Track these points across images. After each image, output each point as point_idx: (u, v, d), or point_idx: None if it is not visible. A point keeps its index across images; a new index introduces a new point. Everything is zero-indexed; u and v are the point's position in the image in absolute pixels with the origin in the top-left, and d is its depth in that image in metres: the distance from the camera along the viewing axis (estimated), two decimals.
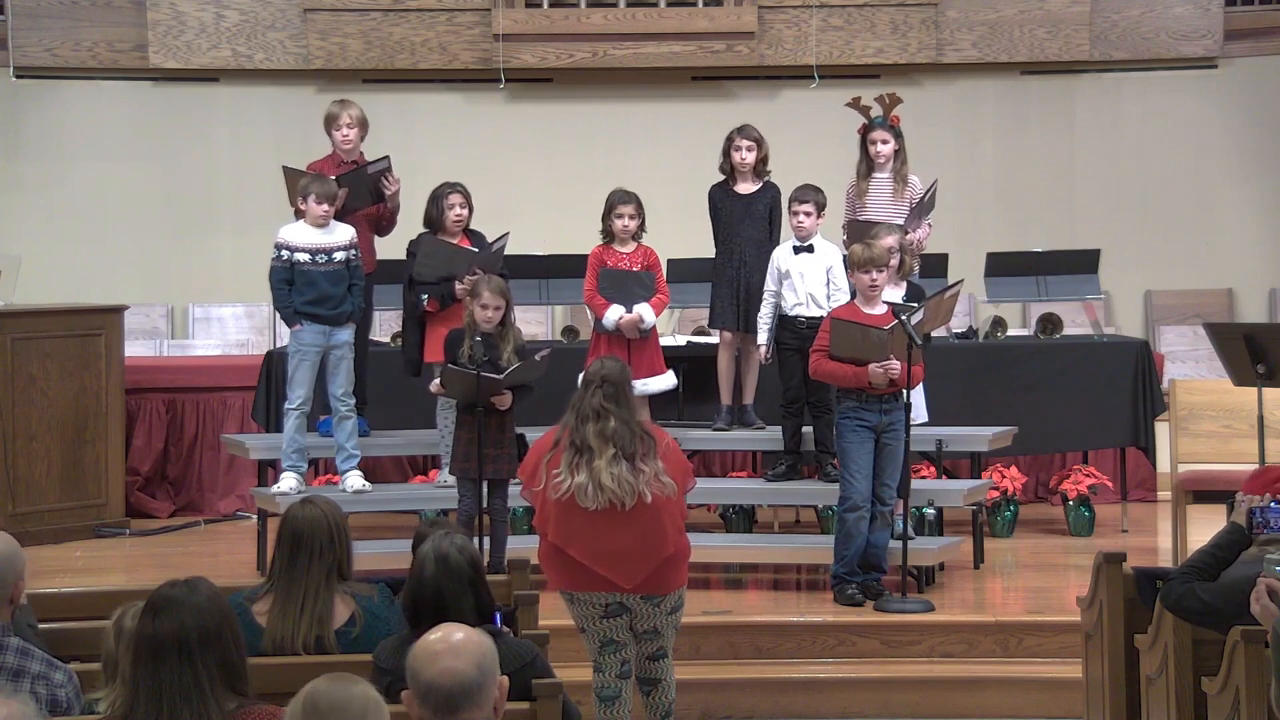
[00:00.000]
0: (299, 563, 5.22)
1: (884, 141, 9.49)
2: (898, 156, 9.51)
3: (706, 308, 9.51)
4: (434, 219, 9.12)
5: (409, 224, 9.47)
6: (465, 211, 9.12)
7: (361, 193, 9.31)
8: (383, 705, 3.60)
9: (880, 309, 8.30)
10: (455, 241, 9.05)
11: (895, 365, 8.07)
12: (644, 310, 8.94)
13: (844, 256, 9.10)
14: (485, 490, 8.23)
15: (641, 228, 9.07)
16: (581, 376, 6.81)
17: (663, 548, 6.51)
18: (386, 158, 9.42)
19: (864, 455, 8.21)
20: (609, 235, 9.09)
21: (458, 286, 8.81)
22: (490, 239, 9.16)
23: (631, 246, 9.08)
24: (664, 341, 9.58)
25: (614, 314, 8.93)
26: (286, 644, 5.18)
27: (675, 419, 9.47)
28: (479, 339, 8.19)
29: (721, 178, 9.35)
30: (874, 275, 8.26)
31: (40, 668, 4.65)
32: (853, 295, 8.57)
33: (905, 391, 8.26)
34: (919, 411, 8.67)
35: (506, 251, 9.11)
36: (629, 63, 12.40)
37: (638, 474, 6.43)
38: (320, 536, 5.27)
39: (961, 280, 9.25)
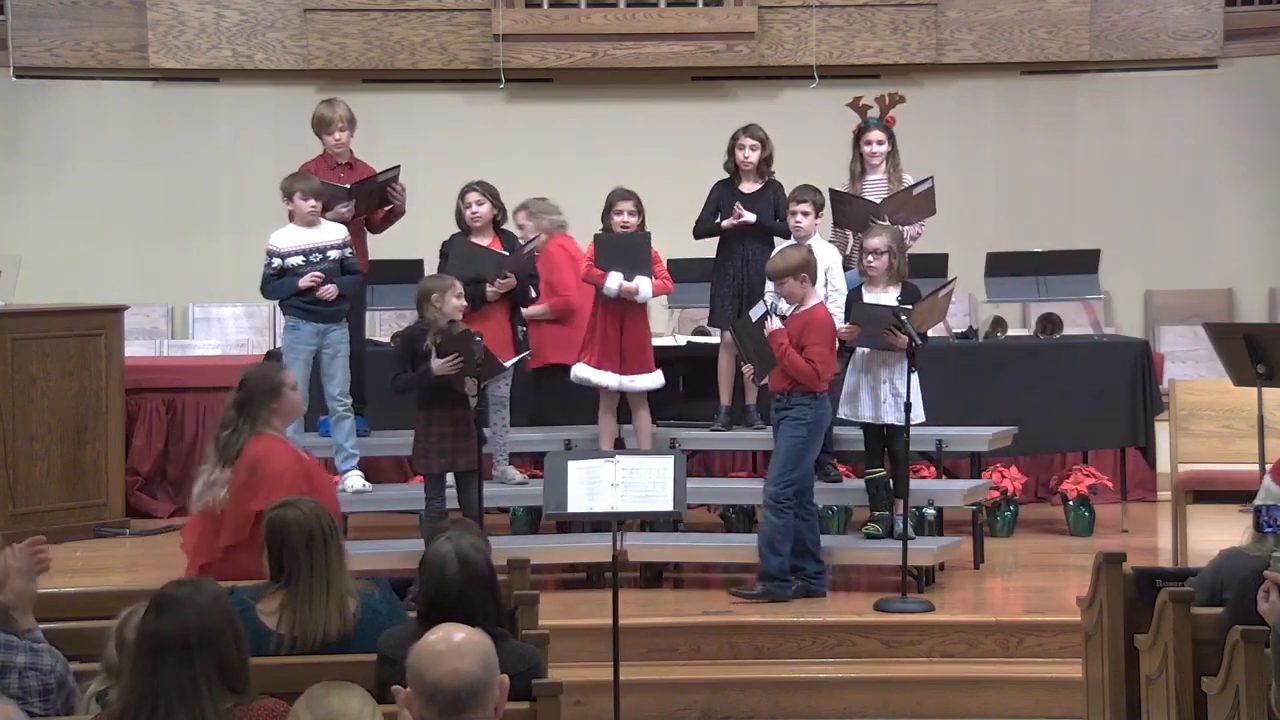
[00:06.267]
0: (316, 555, 5.19)
1: (879, 142, 9.45)
2: (890, 159, 9.49)
3: (706, 307, 9.51)
4: (460, 217, 9.19)
5: (430, 225, 9.50)
6: (481, 209, 9.11)
7: (371, 200, 9.40)
8: (379, 714, 3.61)
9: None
10: (486, 242, 9.07)
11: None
12: (642, 283, 8.84)
13: (842, 257, 9.14)
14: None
15: (642, 226, 9.05)
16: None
17: None
18: (397, 167, 9.45)
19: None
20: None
21: (488, 288, 8.82)
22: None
23: None
24: (664, 341, 9.56)
25: (614, 281, 8.82)
26: (309, 637, 5.14)
27: (675, 419, 9.46)
28: (440, 334, 8.21)
29: (726, 176, 9.35)
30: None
31: (25, 659, 4.63)
32: (852, 296, 8.60)
33: (906, 393, 8.29)
34: (916, 412, 8.64)
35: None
36: (629, 63, 12.40)
37: None
38: (325, 526, 5.25)
39: (955, 278, 9.24)
